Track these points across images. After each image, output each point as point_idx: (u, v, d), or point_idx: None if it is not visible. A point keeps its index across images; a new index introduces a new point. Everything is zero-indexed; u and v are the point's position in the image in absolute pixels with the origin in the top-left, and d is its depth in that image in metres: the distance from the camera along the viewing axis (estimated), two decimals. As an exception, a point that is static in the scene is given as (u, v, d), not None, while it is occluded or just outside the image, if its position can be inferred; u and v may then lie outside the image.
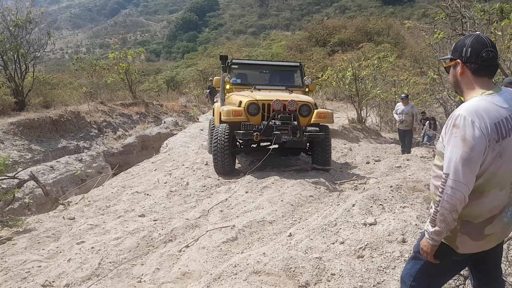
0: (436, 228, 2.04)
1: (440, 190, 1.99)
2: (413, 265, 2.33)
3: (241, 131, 7.02)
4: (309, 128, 7.18)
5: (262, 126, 6.98)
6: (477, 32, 2.15)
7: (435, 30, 8.59)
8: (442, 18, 7.95)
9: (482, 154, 1.94)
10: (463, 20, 7.45)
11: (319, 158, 7.53)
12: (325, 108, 12.32)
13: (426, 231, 2.11)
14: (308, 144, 7.69)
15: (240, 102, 7.41)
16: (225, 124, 7.38)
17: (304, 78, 8.71)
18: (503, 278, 2.63)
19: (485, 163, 1.98)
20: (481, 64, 2.05)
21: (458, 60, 2.11)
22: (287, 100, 7.10)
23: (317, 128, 7.25)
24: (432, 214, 2.07)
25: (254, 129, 7.03)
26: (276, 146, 7.55)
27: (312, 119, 7.39)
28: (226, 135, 7.14)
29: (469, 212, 2.06)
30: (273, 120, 6.99)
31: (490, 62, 2.06)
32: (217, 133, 7.25)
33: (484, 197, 2.04)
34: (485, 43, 2.05)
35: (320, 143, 7.42)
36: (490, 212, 2.07)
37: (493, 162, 1.99)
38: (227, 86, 8.56)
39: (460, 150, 1.92)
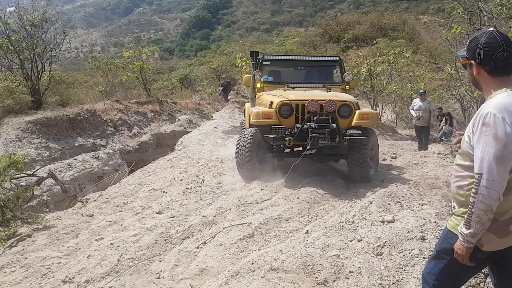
0: (471, 230, 2.00)
1: (474, 191, 1.96)
2: (435, 264, 2.29)
3: (272, 135, 6.36)
4: (350, 131, 6.33)
5: (296, 130, 6.30)
6: (490, 29, 2.11)
7: (452, 25, 8.49)
8: (459, 12, 7.83)
9: None
10: (481, 14, 7.33)
11: (357, 168, 6.49)
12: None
13: (461, 233, 2.06)
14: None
15: (271, 102, 6.74)
16: (254, 128, 6.76)
17: (345, 74, 7.76)
18: None
19: None
20: (495, 65, 2.03)
21: (473, 62, 2.09)
22: (324, 100, 6.36)
23: (359, 131, 6.37)
24: (466, 216, 2.02)
25: (286, 133, 6.31)
26: (313, 151, 6.58)
27: (354, 121, 6.54)
28: (249, 142, 6.55)
29: (501, 208, 2.02)
30: (308, 123, 6.24)
31: (505, 62, 2.03)
32: (240, 139, 6.75)
33: (511, 194, 2.00)
34: (499, 43, 2.01)
35: (360, 148, 6.42)
36: None
37: None
38: (258, 85, 7.83)
39: (493, 149, 1.89)
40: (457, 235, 2.11)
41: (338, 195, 6.09)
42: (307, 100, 6.33)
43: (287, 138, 6.15)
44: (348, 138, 6.12)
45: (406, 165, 7.64)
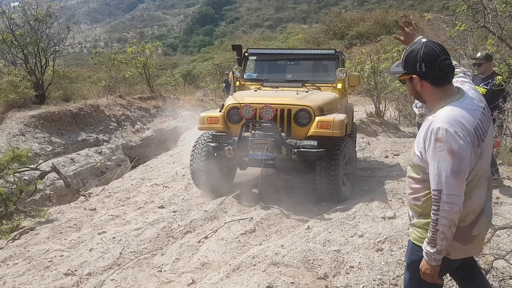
0: (437, 247, 1.98)
1: (435, 208, 1.94)
2: (411, 276, 2.29)
3: (212, 144, 5.68)
4: (303, 143, 5.37)
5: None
6: (424, 40, 2.13)
7: (456, 22, 8.45)
8: (463, 10, 7.79)
9: (469, 162, 1.94)
10: (485, 12, 7.30)
11: (321, 185, 5.56)
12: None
13: (427, 253, 2.03)
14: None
15: (223, 105, 5.99)
16: (205, 133, 6.09)
17: (337, 69, 6.55)
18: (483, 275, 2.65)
19: (469, 168, 1.97)
20: (439, 75, 2.03)
21: (414, 76, 2.07)
22: (286, 104, 5.59)
23: (314, 143, 5.32)
24: (430, 235, 1.99)
25: (229, 141, 5.54)
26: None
27: (310, 130, 5.45)
28: (204, 149, 5.91)
29: (460, 216, 2.02)
30: (254, 131, 5.45)
31: (447, 70, 2.04)
32: (195, 145, 6.10)
33: (469, 200, 2.03)
34: (437, 52, 2.01)
35: (319, 164, 5.51)
36: (474, 213, 2.09)
37: (476, 165, 2.00)
38: (237, 83, 6.95)
39: (449, 164, 1.89)
40: (421, 246, 2.09)
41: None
42: (263, 103, 5.49)
43: (227, 148, 5.41)
44: (296, 151, 5.26)
45: (408, 162, 7.62)
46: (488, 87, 5.46)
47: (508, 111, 5.72)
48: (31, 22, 13.00)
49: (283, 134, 5.43)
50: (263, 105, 5.45)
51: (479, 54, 5.68)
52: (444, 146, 1.89)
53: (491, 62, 5.70)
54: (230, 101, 5.91)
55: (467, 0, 7.70)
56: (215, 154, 5.74)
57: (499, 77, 5.59)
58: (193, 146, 6.13)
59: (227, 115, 5.81)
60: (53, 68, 13.90)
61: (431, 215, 1.96)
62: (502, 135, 5.02)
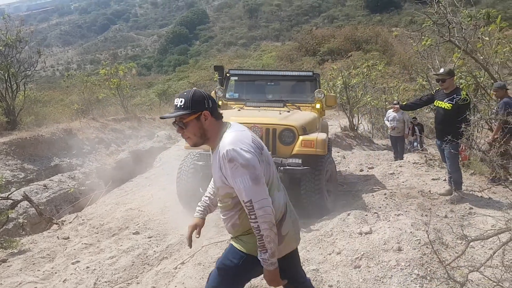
0: (269, 251, 2.20)
1: (252, 217, 2.17)
2: (220, 280, 2.49)
3: (200, 162, 5.79)
4: (288, 161, 5.61)
5: None
6: (194, 88, 2.43)
7: (423, 37, 8.70)
8: (429, 25, 8.04)
9: (261, 168, 2.23)
10: (450, 26, 7.55)
11: (308, 201, 5.74)
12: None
13: (263, 260, 2.23)
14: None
15: None
16: (200, 151, 6.02)
17: (316, 91, 6.91)
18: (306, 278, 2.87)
19: (264, 174, 2.27)
20: (217, 110, 2.39)
21: (206, 112, 2.31)
22: (267, 124, 5.78)
23: (299, 161, 5.59)
24: (259, 243, 2.22)
25: None
26: None
27: (295, 149, 5.70)
28: (192, 168, 5.98)
29: None
30: None
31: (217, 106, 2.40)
32: (182, 163, 6.18)
33: (274, 201, 2.29)
34: (205, 94, 2.35)
35: (304, 180, 5.73)
36: (280, 212, 2.37)
37: (267, 170, 2.32)
38: (220, 102, 7.05)
39: (247, 175, 2.16)
40: (240, 253, 2.37)
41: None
42: (249, 123, 5.60)
43: None
44: (282, 168, 5.48)
45: (382, 175, 7.74)
46: (453, 102, 5.59)
47: (475, 123, 5.87)
48: (0, 48, 12.78)
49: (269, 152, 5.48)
50: (252, 124, 5.64)
51: (442, 70, 5.84)
52: (237, 163, 2.16)
53: (453, 77, 5.87)
54: None
55: (432, 16, 7.97)
56: (201, 174, 5.81)
57: (464, 92, 5.75)
58: (180, 165, 6.20)
59: None
60: (24, 93, 13.66)
61: (252, 224, 2.20)
62: (470, 148, 5.14)
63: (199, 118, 2.31)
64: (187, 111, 2.29)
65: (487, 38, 7.64)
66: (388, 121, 10.92)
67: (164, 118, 2.45)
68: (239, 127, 2.39)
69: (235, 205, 2.32)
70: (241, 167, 2.16)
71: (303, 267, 4.00)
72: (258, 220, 2.15)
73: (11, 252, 5.68)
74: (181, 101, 2.32)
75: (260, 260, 2.25)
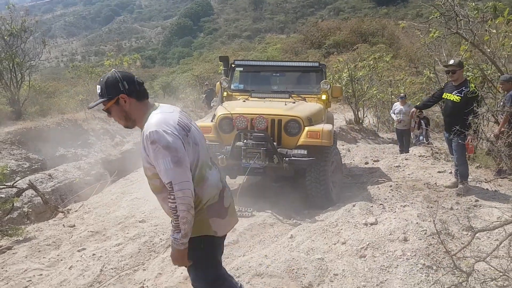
0: (182, 232, 2.24)
1: (171, 198, 2.20)
2: (195, 271, 2.57)
3: None
4: (294, 152, 5.58)
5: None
6: (113, 70, 2.39)
7: (430, 29, 8.64)
8: (436, 17, 7.98)
9: (185, 151, 2.24)
10: (457, 18, 7.48)
11: (313, 192, 5.75)
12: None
13: (175, 239, 2.28)
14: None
15: (214, 115, 6.13)
16: None
17: (322, 82, 6.79)
18: None
19: (191, 155, 2.31)
20: (139, 90, 2.36)
21: (122, 95, 2.29)
22: (274, 114, 5.78)
23: (305, 152, 5.54)
24: (174, 223, 2.26)
25: (222, 150, 5.65)
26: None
27: (300, 140, 5.67)
28: None
29: (207, 196, 2.40)
30: (246, 141, 5.61)
31: (144, 87, 2.39)
32: None
33: (208, 180, 2.40)
34: (127, 74, 2.35)
35: (309, 171, 5.71)
36: (218, 188, 2.47)
37: (195, 151, 2.35)
38: (225, 93, 7.09)
39: (168, 157, 2.18)
40: (195, 239, 2.38)
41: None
42: (255, 114, 5.71)
43: (220, 157, 5.50)
44: (287, 159, 5.47)
45: (388, 168, 7.72)
46: (462, 95, 5.55)
47: (482, 115, 5.84)
48: (5, 37, 12.80)
49: (274, 143, 5.63)
50: (257, 115, 5.67)
51: (452, 61, 5.79)
52: (159, 145, 2.18)
53: (463, 69, 5.83)
54: (221, 111, 6.03)
55: (440, 8, 7.90)
56: None
57: (472, 84, 5.71)
58: None
59: (219, 125, 5.95)
60: (29, 83, 13.68)
61: (170, 204, 2.22)
62: (478, 139, 5.12)
63: (118, 103, 2.31)
64: (104, 98, 2.30)
65: (494, 31, 7.58)
66: (394, 114, 10.88)
67: (90, 108, 2.50)
68: (166, 108, 2.41)
69: (164, 186, 2.30)
70: (163, 149, 2.18)
71: (308, 256, 4.03)
72: (177, 201, 2.18)
73: (17, 240, 5.70)
74: (99, 89, 2.33)
75: (172, 239, 2.29)
